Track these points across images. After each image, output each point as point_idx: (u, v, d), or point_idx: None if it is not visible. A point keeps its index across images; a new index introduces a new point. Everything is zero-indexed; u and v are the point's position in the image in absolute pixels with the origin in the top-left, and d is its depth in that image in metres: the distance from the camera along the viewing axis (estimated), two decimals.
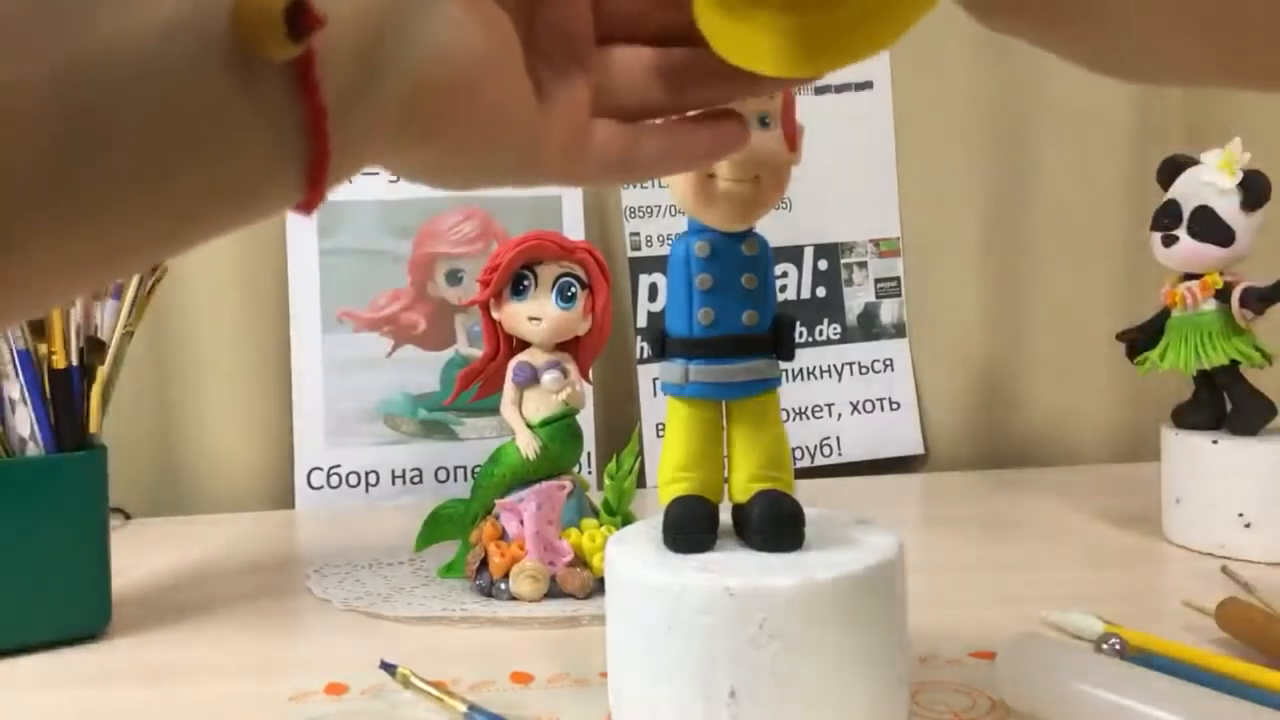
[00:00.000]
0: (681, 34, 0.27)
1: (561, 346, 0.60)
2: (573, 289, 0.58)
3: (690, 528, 0.38)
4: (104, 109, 0.16)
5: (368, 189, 0.91)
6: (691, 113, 0.29)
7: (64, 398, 0.55)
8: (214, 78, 0.17)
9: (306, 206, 0.20)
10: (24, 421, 0.54)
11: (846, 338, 1.00)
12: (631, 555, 0.38)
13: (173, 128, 0.17)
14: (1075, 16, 0.23)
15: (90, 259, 0.18)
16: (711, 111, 0.29)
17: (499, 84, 0.23)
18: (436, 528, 0.62)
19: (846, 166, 0.99)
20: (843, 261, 1.01)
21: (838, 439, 0.98)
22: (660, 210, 0.95)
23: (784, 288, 0.98)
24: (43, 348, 0.54)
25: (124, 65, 0.16)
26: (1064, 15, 0.23)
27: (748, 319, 0.38)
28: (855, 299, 1.01)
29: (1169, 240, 0.64)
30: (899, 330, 1.01)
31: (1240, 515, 0.62)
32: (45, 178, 0.16)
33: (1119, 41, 0.24)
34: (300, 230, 0.91)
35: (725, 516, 0.40)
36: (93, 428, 0.56)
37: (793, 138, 0.38)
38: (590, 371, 0.63)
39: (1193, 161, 0.65)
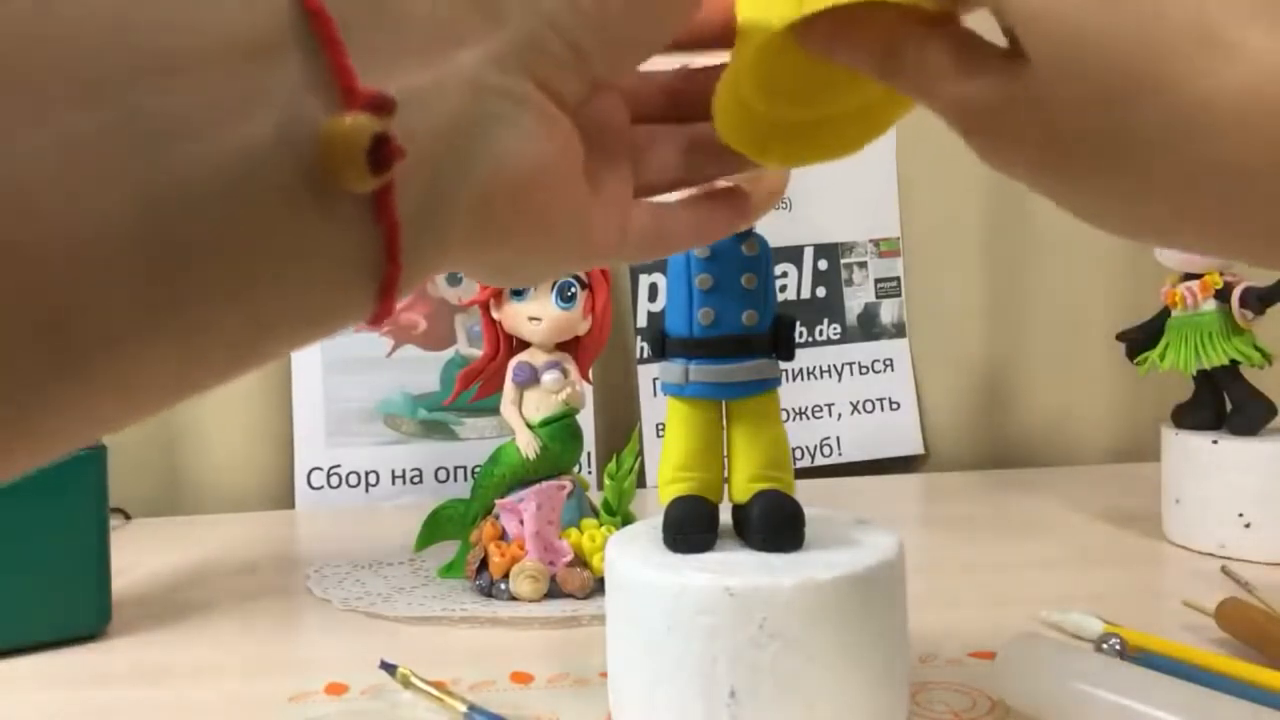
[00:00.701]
0: (692, 113, 0.28)
1: (561, 346, 0.60)
2: (573, 289, 0.58)
3: (690, 528, 0.38)
4: (184, 234, 0.16)
5: None
6: (701, 189, 0.31)
7: None
8: (293, 204, 0.17)
9: (377, 319, 0.20)
10: None
11: (846, 338, 1.00)
12: (631, 555, 0.38)
13: (250, 252, 0.17)
14: (1080, 174, 0.23)
15: (161, 384, 0.17)
16: (724, 189, 0.31)
17: (567, 185, 0.24)
18: (436, 528, 0.62)
19: (846, 166, 0.98)
20: (843, 261, 1.01)
21: (838, 439, 0.98)
22: None
23: (784, 288, 0.98)
24: None
25: (205, 191, 0.16)
26: (1067, 166, 0.23)
27: (748, 319, 0.38)
28: (855, 299, 1.01)
29: None
30: (899, 330, 1.01)
31: (1240, 515, 0.61)
32: (125, 307, 0.16)
33: (1121, 209, 0.24)
34: None
35: (725, 516, 0.40)
36: None
37: None
38: (590, 371, 0.63)
39: None
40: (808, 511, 0.38)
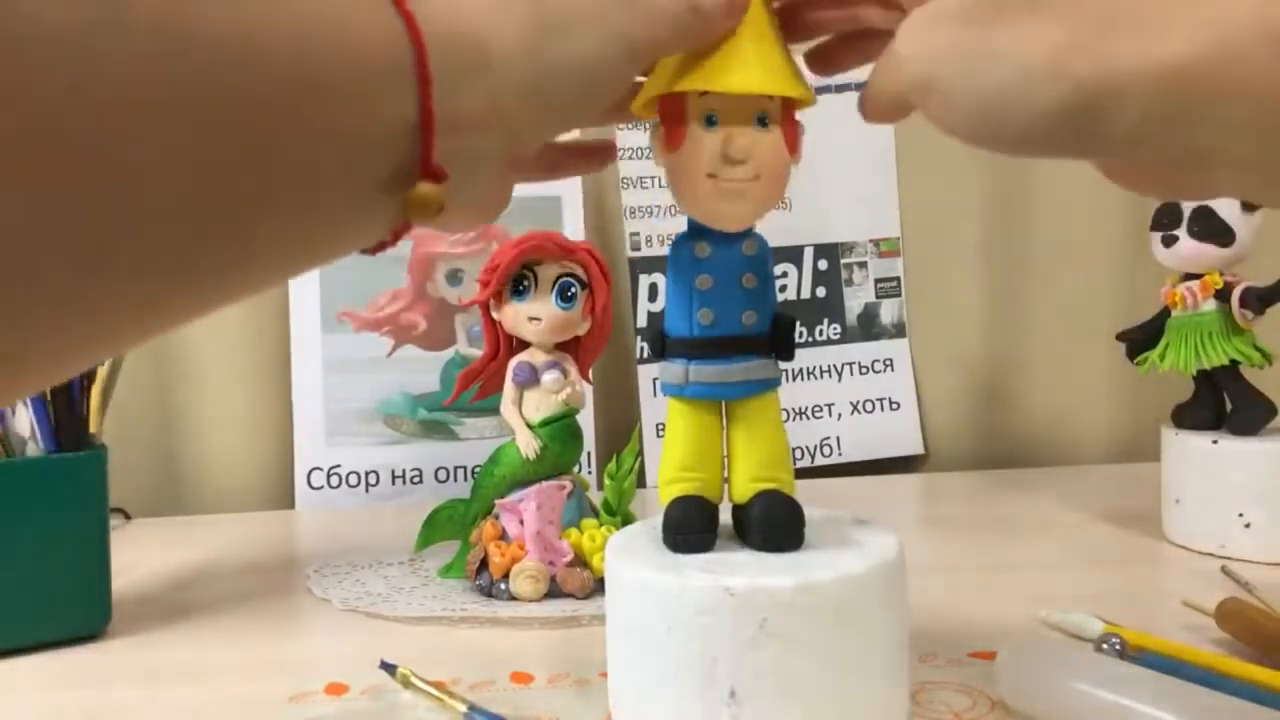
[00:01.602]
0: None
1: (561, 346, 0.60)
2: (573, 289, 0.58)
3: (690, 528, 0.38)
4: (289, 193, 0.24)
5: None
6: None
7: (64, 398, 0.55)
8: (363, 199, 0.26)
9: (380, 248, 0.29)
10: (24, 421, 0.54)
11: (846, 338, 1.00)
12: (631, 555, 0.38)
13: (321, 208, 0.26)
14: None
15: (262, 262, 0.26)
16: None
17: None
18: (436, 528, 0.62)
19: (846, 166, 0.99)
20: (843, 261, 1.01)
21: (838, 439, 0.98)
22: (660, 210, 0.95)
23: (784, 288, 0.98)
24: None
25: (319, 176, 0.25)
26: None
27: (747, 319, 0.38)
28: (855, 299, 1.01)
29: (1169, 240, 0.64)
30: (899, 330, 1.01)
31: (1240, 515, 0.62)
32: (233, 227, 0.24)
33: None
34: None
35: (725, 516, 0.40)
36: (93, 428, 0.56)
37: (793, 138, 0.38)
38: (590, 371, 0.63)
39: None
40: (808, 511, 0.38)
